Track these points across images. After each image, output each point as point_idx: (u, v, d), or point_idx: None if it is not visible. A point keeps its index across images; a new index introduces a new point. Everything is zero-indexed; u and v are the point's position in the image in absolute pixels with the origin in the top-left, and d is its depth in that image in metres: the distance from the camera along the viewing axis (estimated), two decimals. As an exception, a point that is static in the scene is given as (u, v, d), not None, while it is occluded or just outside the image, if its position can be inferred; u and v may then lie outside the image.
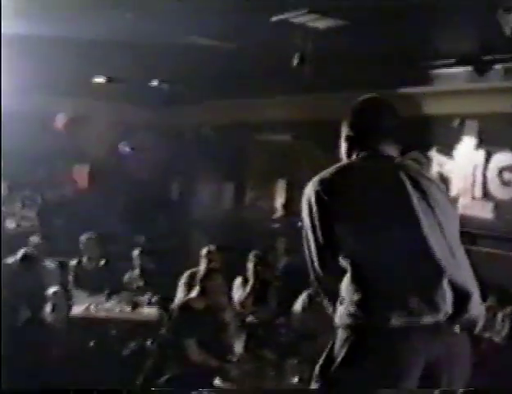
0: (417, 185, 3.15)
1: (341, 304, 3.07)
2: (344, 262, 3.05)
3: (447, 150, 9.20)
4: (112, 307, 7.83)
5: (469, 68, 8.71)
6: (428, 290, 2.95)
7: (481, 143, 8.84)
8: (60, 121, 11.46)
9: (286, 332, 7.25)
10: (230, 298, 7.76)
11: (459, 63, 8.72)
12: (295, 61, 8.19)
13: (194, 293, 6.63)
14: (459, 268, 3.07)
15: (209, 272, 6.82)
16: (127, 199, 11.94)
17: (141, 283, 8.52)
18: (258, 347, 6.68)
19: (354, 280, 3.01)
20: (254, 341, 6.88)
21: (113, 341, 7.76)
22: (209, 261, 7.87)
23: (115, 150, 11.93)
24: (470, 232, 8.83)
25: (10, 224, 9.74)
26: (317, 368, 3.15)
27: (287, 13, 7.33)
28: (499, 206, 8.64)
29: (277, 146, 10.94)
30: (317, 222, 3.13)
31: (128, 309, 7.82)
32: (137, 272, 8.64)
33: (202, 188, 12.67)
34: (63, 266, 8.70)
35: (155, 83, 10.65)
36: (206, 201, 12.52)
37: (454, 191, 9.06)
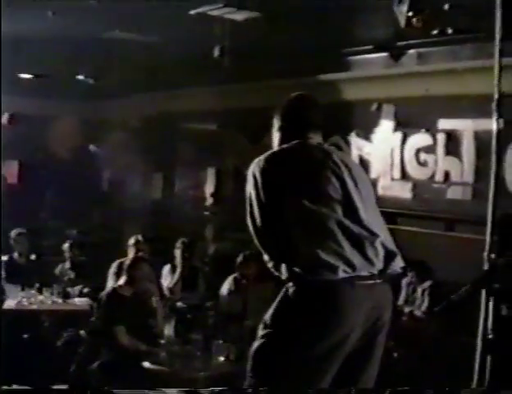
0: (346, 165, 3.65)
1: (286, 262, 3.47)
2: (291, 228, 3.47)
3: (366, 134, 9.53)
4: (44, 299, 7.96)
5: (385, 54, 9.07)
6: (366, 250, 3.46)
7: (397, 126, 9.18)
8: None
9: (214, 314, 7.48)
10: (158, 285, 7.97)
11: (375, 49, 9.05)
12: (216, 53, 8.43)
13: (121, 281, 6.83)
14: (386, 233, 3.64)
15: (135, 260, 7.01)
16: (58, 193, 12.00)
17: (72, 275, 8.65)
18: (186, 330, 6.89)
19: (298, 241, 3.45)
20: (183, 324, 7.08)
21: (47, 333, 7.90)
22: (137, 250, 8.06)
23: (44, 146, 12.00)
24: (390, 212, 9.21)
25: None
26: (267, 316, 3.51)
27: (205, 6, 7.58)
28: (417, 186, 8.99)
29: (204, 136, 11.17)
30: (262, 194, 3.53)
31: (60, 300, 7.98)
32: (68, 264, 8.77)
33: (132, 179, 12.82)
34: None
35: (81, 77, 10.74)
36: (136, 192, 12.69)
37: (373, 173, 9.40)
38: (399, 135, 9.13)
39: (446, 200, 8.65)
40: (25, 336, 7.77)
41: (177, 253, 8.29)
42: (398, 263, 3.60)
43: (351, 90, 9.64)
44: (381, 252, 3.51)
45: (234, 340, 6.57)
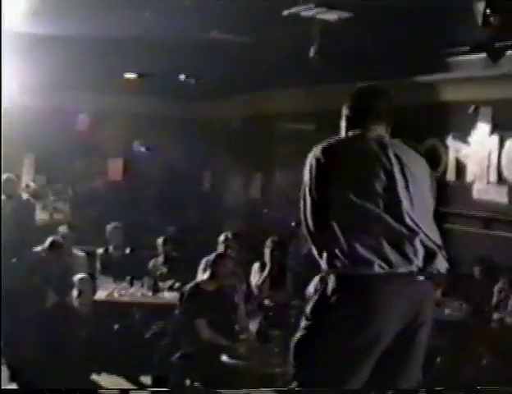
0: (399, 160, 3.64)
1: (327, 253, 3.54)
2: (334, 219, 3.54)
3: (463, 136, 9.37)
4: (134, 292, 8.18)
5: (483, 55, 8.89)
6: (404, 247, 3.50)
7: (495, 128, 9.00)
8: (82, 123, 11.89)
9: (299, 313, 7.50)
10: (244, 281, 8.08)
11: (472, 50, 8.89)
12: (312, 53, 8.47)
13: (204, 276, 6.96)
14: (428, 233, 3.60)
15: (218, 256, 7.12)
16: (159, 190, 12.29)
17: (164, 270, 8.85)
18: (269, 328, 6.96)
19: (339, 234, 3.50)
20: (268, 322, 7.16)
21: (136, 324, 8.13)
22: (226, 247, 8.19)
23: (148, 143, 12.30)
24: (486, 216, 9.04)
25: (43, 216, 10.19)
26: (308, 308, 3.62)
27: (297, 7, 7.63)
28: (513, 190, 8.80)
29: (302, 137, 11.20)
30: (314, 183, 3.63)
31: (149, 293, 8.18)
32: (161, 259, 8.97)
33: (232, 178, 13.00)
34: (91, 254, 9.10)
35: (182, 77, 10.94)
36: (235, 191, 12.85)
37: (470, 176, 9.26)
38: (496, 138, 8.94)
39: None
40: (116, 326, 8.02)
41: (267, 251, 8.36)
42: (440, 264, 3.60)
43: (448, 92, 9.51)
44: (421, 250, 3.52)
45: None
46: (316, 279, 7.98)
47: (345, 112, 3.96)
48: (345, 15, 7.81)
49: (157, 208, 11.98)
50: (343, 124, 3.96)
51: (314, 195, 3.62)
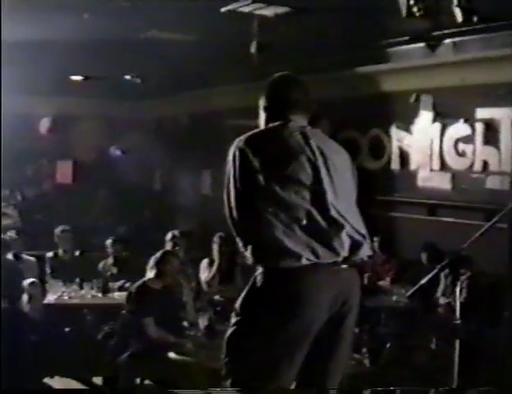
0: (322, 151, 3.63)
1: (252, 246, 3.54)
2: (259, 211, 3.52)
3: (406, 125, 9.52)
4: (84, 294, 8.18)
5: (421, 44, 9.03)
6: (331, 240, 3.52)
7: (436, 116, 9.16)
8: (44, 126, 11.84)
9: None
10: (193, 278, 8.13)
11: (411, 40, 9.03)
12: (253, 49, 8.54)
13: (150, 274, 6.98)
14: (354, 223, 3.61)
15: (164, 254, 7.15)
16: (109, 192, 12.28)
17: (114, 271, 8.85)
18: (219, 323, 6.99)
19: (265, 227, 3.49)
20: (217, 317, 7.20)
21: (87, 326, 8.12)
22: (174, 245, 8.23)
23: (98, 146, 12.29)
24: (430, 203, 9.19)
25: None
26: (237, 304, 3.58)
27: (234, 4, 7.69)
28: (456, 176, 8.95)
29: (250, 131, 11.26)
30: (238, 174, 3.57)
31: (99, 294, 8.18)
32: (110, 260, 8.97)
33: (182, 177, 13.03)
34: (40, 258, 9.07)
35: (128, 77, 10.94)
36: (186, 189, 12.88)
37: (413, 165, 9.41)
38: (438, 126, 9.12)
39: (485, 190, 8.59)
40: (67, 329, 8.01)
41: (215, 247, 8.42)
42: (364, 252, 3.64)
43: (389, 82, 9.65)
44: (347, 242, 3.55)
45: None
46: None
47: (262, 103, 3.91)
48: (282, 10, 7.90)
49: (107, 209, 11.97)
50: (262, 115, 3.91)
51: (239, 186, 3.57)
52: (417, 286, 4.44)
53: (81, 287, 8.24)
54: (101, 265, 8.96)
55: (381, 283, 8.72)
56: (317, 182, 3.58)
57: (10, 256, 8.64)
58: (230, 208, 3.61)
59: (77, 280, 8.29)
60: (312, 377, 3.68)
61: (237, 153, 3.60)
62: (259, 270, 3.53)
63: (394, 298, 8.18)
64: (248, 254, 3.54)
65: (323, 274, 3.51)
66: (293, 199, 3.52)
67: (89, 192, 12.17)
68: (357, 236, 3.61)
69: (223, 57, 9.63)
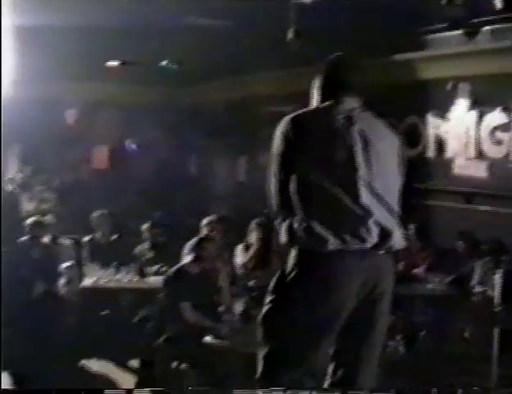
0: (364, 137, 3.65)
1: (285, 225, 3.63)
2: (295, 197, 3.62)
3: (442, 113, 9.47)
4: (120, 278, 8.26)
5: (459, 32, 8.96)
6: (358, 227, 3.57)
7: (473, 104, 9.10)
8: (70, 117, 11.93)
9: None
10: (229, 263, 8.17)
11: (449, 27, 8.96)
12: (290, 36, 8.53)
13: (187, 259, 7.03)
14: (384, 213, 3.65)
15: (202, 239, 7.19)
16: (145, 177, 12.36)
17: (151, 255, 8.91)
18: (255, 308, 7.03)
19: (297, 208, 3.61)
20: (253, 303, 7.24)
21: (123, 310, 8.22)
22: (210, 230, 8.27)
23: (134, 132, 12.36)
24: (466, 191, 9.15)
25: (29, 206, 10.26)
26: (271, 283, 3.72)
27: (272, -11, 7.70)
28: (492, 165, 8.90)
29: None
30: (280, 154, 3.68)
31: (136, 278, 8.25)
32: (147, 244, 9.03)
33: (217, 163, 13.08)
34: (77, 242, 9.18)
35: (164, 63, 10.98)
36: (221, 175, 12.94)
37: (449, 153, 9.36)
38: (474, 114, 9.06)
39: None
40: (104, 312, 8.12)
41: (252, 233, 8.44)
42: (396, 242, 3.67)
43: (427, 69, 9.59)
44: (375, 230, 3.59)
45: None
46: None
47: (317, 83, 3.94)
48: (319, -5, 7.89)
49: (143, 194, 12.05)
50: (315, 95, 3.94)
51: (279, 168, 3.66)
52: (456, 274, 4.42)
53: (118, 271, 8.32)
54: (137, 249, 9.03)
55: (416, 271, 8.69)
56: (351, 168, 3.61)
57: (46, 240, 8.75)
58: (270, 188, 3.71)
59: (114, 264, 8.36)
60: (346, 361, 3.73)
61: (280, 132, 3.69)
62: (292, 252, 3.61)
63: (429, 286, 8.17)
64: (282, 234, 3.62)
65: (351, 260, 3.57)
66: (325, 183, 3.57)
67: (125, 177, 12.26)
68: (388, 225, 3.62)
69: (260, 43, 9.61)
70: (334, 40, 9.30)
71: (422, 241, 8.95)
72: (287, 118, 3.72)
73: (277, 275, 3.70)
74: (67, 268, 8.29)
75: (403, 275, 8.10)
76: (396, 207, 3.74)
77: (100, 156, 12.52)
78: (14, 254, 8.43)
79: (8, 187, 9.84)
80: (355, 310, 3.63)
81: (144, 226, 9.18)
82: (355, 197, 3.59)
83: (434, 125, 9.56)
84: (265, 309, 3.72)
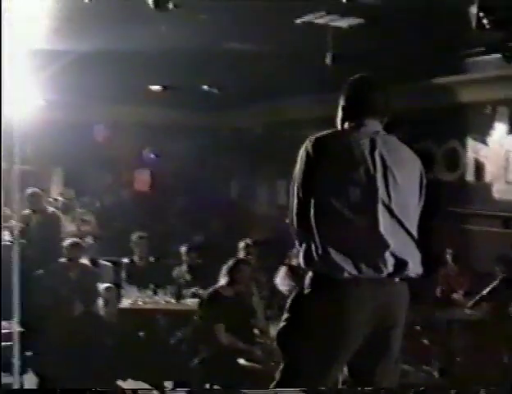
0: (384, 161, 3.65)
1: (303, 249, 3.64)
2: (313, 221, 3.60)
3: (481, 137, 9.45)
4: (158, 300, 8.34)
5: (498, 55, 8.93)
6: (374, 258, 3.57)
7: (512, 128, 9.08)
8: (99, 133, 12.08)
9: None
10: (265, 287, 8.20)
11: (488, 51, 8.94)
12: (328, 60, 8.58)
13: (222, 282, 7.09)
14: (402, 240, 3.65)
15: (237, 262, 7.25)
16: (186, 200, 12.46)
17: (188, 278, 8.99)
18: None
19: (315, 233, 3.58)
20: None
21: (161, 331, 8.30)
22: (247, 253, 8.32)
23: (174, 154, 12.48)
24: (505, 216, 9.09)
25: (71, 228, 10.42)
26: (288, 301, 3.74)
27: (309, 15, 7.75)
28: (531, 189, 8.85)
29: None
30: (301, 177, 3.68)
31: (173, 300, 8.33)
32: (185, 267, 9.12)
33: (257, 187, 13.15)
34: (116, 264, 9.30)
35: (206, 88, 11.09)
36: (261, 199, 12.99)
37: (488, 177, 9.32)
38: (513, 138, 9.03)
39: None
40: (141, 333, 8.20)
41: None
42: (411, 269, 3.67)
43: (466, 93, 9.57)
44: (391, 261, 3.59)
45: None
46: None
47: (341, 102, 3.95)
48: (356, 21, 7.92)
49: (183, 217, 12.15)
50: (339, 115, 3.94)
51: (300, 190, 3.67)
52: (478, 297, 4.41)
53: (155, 293, 8.40)
54: (175, 272, 9.11)
55: (454, 296, 8.64)
56: (370, 193, 3.60)
57: (86, 261, 8.88)
58: (292, 210, 3.72)
59: (151, 286, 8.44)
60: (358, 384, 3.77)
61: (304, 155, 3.70)
62: (309, 274, 3.63)
63: (467, 311, 8.11)
64: (300, 257, 3.65)
65: (365, 288, 3.57)
66: (344, 211, 3.56)
67: (165, 200, 12.39)
68: (404, 255, 3.62)
69: (298, 68, 9.68)
70: (372, 65, 9.40)
71: (460, 266, 8.91)
72: (311, 138, 3.72)
73: (294, 294, 3.72)
74: (106, 289, 8.40)
75: (441, 300, 8.08)
76: (415, 233, 3.73)
77: (142, 179, 12.65)
78: (53, 275, 8.56)
79: (49, 209, 9.98)
80: (369, 335, 3.63)
81: (183, 249, 9.27)
82: (374, 224, 3.58)
83: (473, 149, 9.53)
84: (280, 326, 3.76)
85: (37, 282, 8.39)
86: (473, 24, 5.08)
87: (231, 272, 7.05)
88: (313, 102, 11.25)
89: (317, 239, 3.56)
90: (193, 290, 8.59)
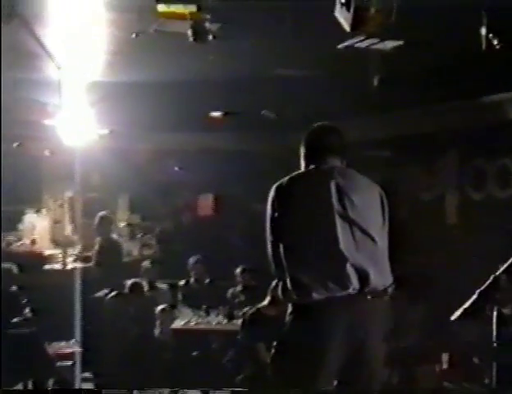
0: (341, 189, 4.04)
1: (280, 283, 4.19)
2: (283, 251, 4.07)
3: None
4: (210, 320, 8.60)
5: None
6: (337, 274, 3.92)
7: None
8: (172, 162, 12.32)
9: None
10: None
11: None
12: (375, 83, 8.76)
13: (265, 302, 7.25)
14: (360, 256, 4.00)
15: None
16: (246, 224, 12.66)
17: (242, 298, 9.20)
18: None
19: (287, 265, 4.07)
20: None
21: (213, 351, 8.54)
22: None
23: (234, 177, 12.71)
24: None
25: (134, 252, 10.81)
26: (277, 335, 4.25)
27: (349, 40, 7.94)
28: None
29: (380, 162, 11.42)
30: (269, 221, 4.17)
31: (225, 321, 8.56)
32: (239, 288, 9.35)
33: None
34: (173, 286, 9.62)
35: (263, 112, 11.31)
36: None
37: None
38: None
39: None
40: (194, 353, 8.46)
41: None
42: (376, 282, 3.98)
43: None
44: (353, 275, 3.92)
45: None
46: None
47: (302, 150, 4.42)
48: (396, 43, 8.06)
49: (242, 239, 12.34)
50: (302, 162, 4.39)
51: (269, 232, 4.15)
52: (461, 310, 4.55)
53: (208, 314, 8.66)
54: (230, 292, 9.36)
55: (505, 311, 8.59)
56: (328, 215, 3.99)
57: (145, 283, 9.22)
58: (267, 249, 4.21)
59: (204, 306, 8.70)
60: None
61: (269, 200, 4.21)
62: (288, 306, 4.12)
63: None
64: (279, 291, 4.22)
65: (336, 308, 3.89)
66: (308, 237, 3.98)
67: (224, 224, 12.62)
68: (365, 267, 3.94)
69: (346, 92, 9.84)
70: (418, 85, 9.51)
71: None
72: (273, 187, 4.20)
73: (281, 322, 4.20)
74: (161, 310, 8.72)
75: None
76: (375, 249, 4.06)
77: (205, 204, 12.92)
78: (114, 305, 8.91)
79: (113, 235, 10.42)
80: (347, 352, 3.93)
81: (237, 271, 9.50)
82: (334, 242, 3.92)
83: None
84: (271, 353, 4.31)
85: (96, 306, 8.75)
86: (483, 45, 5.20)
87: (274, 291, 7.20)
88: (365, 123, 11.38)
89: (287, 270, 4.01)
90: (244, 310, 8.78)
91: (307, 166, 4.34)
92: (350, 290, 3.88)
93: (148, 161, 12.16)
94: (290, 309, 4.10)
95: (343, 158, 4.33)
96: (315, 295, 3.85)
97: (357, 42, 7.95)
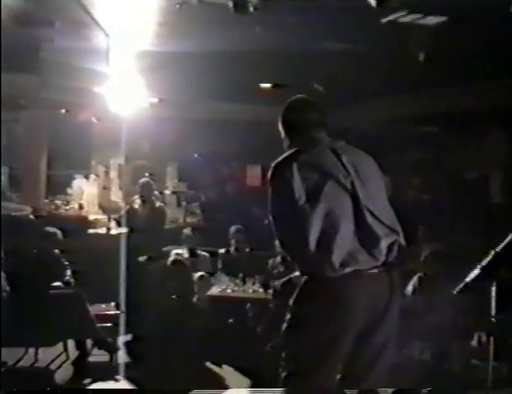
0: (353, 164, 4.06)
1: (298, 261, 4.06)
2: (301, 227, 3.88)
3: None
4: (246, 289, 8.72)
5: None
6: (370, 247, 3.90)
7: None
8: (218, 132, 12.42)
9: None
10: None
11: None
12: (421, 58, 8.75)
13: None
14: (389, 224, 4.01)
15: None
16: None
17: (282, 269, 9.29)
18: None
19: (309, 243, 3.87)
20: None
21: (248, 318, 8.67)
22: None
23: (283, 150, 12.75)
24: None
25: (179, 219, 10.99)
26: (290, 302, 4.09)
27: (393, 14, 7.93)
28: None
29: (427, 138, 11.41)
30: (278, 193, 4.03)
31: (260, 290, 8.67)
32: (279, 258, 9.44)
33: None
34: (213, 254, 9.76)
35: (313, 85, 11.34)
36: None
37: None
38: None
39: None
40: (230, 320, 8.60)
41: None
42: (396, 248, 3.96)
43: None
44: (384, 249, 3.92)
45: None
46: (414, 278, 8.24)
47: (282, 127, 4.43)
48: (440, 19, 8.03)
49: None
50: (284, 140, 4.37)
51: (280, 206, 4.00)
52: (463, 284, 4.55)
53: (244, 282, 8.78)
54: (270, 263, 9.46)
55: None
56: (353, 195, 3.93)
57: (185, 250, 9.39)
58: (276, 227, 4.04)
59: (241, 275, 8.83)
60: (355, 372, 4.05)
61: (277, 175, 4.04)
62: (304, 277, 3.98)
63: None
64: (296, 267, 4.09)
65: (359, 280, 3.85)
66: (335, 213, 3.87)
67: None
68: (391, 238, 3.95)
69: (392, 66, 9.81)
70: (463, 62, 9.44)
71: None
72: (278, 161, 4.07)
73: (294, 296, 4.05)
74: (199, 277, 8.88)
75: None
76: (394, 216, 4.09)
77: (253, 174, 13.02)
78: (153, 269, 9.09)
79: (156, 203, 10.59)
80: (364, 327, 3.92)
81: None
82: (362, 219, 3.91)
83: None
84: (284, 326, 4.07)
85: (138, 270, 8.95)
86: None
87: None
88: (413, 98, 11.34)
89: (310, 247, 3.84)
90: (281, 280, 8.87)
91: (291, 141, 4.29)
92: (378, 263, 3.87)
93: (197, 130, 12.28)
94: (304, 280, 4.00)
95: (326, 128, 4.29)
96: (347, 270, 3.80)
97: (399, 16, 7.96)
